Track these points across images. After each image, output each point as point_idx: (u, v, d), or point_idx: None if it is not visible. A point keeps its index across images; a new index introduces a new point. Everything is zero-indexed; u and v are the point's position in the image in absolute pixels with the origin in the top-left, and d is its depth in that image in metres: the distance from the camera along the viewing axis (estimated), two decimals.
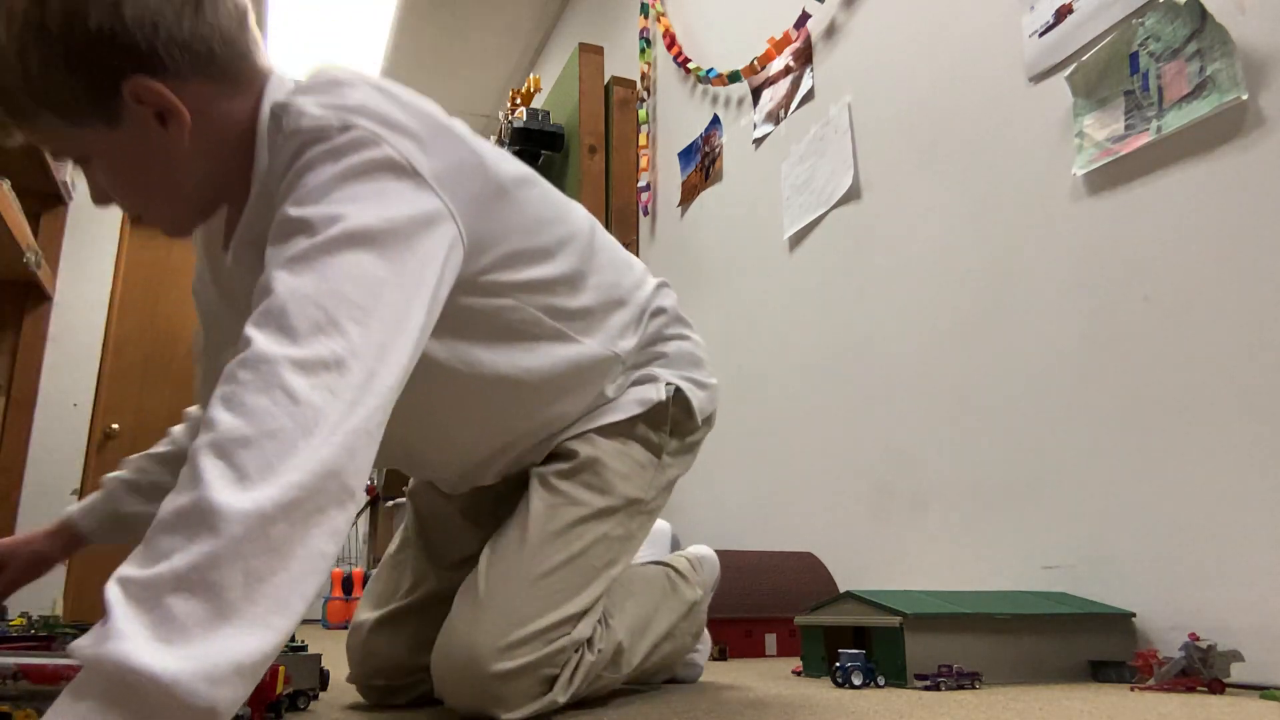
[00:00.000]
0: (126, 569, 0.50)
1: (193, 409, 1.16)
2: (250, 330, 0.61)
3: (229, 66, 0.78)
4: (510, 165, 0.88)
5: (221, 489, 0.52)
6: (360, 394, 0.61)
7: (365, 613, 1.08)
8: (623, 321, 1.02)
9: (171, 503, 0.53)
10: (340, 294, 0.63)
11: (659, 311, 1.09)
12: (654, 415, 1.04)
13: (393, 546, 1.15)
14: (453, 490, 1.08)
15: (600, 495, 0.97)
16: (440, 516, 1.11)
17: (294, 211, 0.67)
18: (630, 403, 1.03)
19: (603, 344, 0.99)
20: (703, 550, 1.28)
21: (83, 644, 0.47)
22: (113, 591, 0.49)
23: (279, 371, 0.58)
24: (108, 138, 0.75)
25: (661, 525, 1.36)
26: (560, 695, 0.89)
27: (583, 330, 0.97)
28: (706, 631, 1.28)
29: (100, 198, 0.81)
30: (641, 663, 1.04)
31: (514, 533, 0.94)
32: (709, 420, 1.12)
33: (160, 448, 1.15)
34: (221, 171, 0.81)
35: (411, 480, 1.16)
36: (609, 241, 1.04)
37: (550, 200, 0.94)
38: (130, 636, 0.47)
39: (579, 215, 0.99)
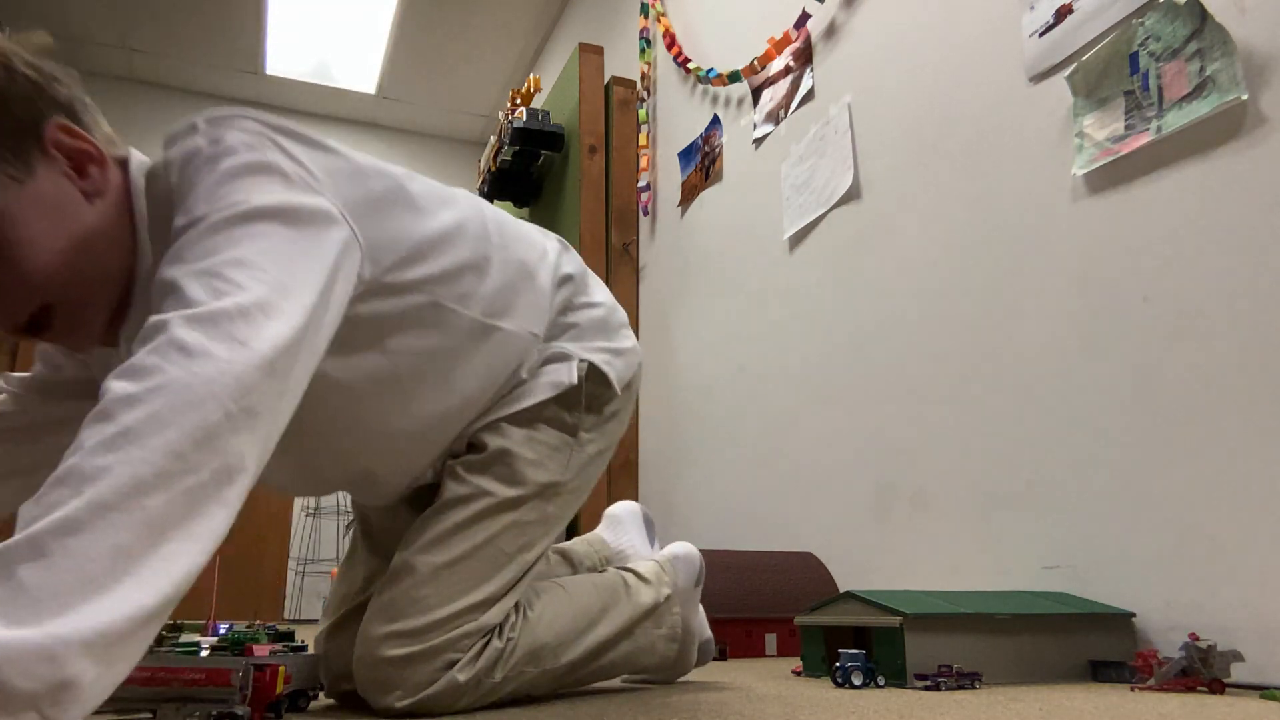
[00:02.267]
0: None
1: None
2: (151, 317, 0.59)
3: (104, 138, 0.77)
4: (388, 166, 0.89)
5: (96, 452, 0.49)
6: (256, 336, 0.58)
7: (323, 621, 1.08)
8: (534, 297, 1.02)
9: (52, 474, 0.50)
10: (236, 259, 0.62)
11: (566, 279, 1.08)
12: (567, 397, 1.03)
13: (347, 552, 1.15)
14: (403, 495, 1.07)
15: (510, 486, 0.98)
16: (385, 511, 1.10)
17: (181, 220, 0.65)
18: (542, 385, 1.02)
19: (519, 325, 0.99)
20: (679, 549, 1.24)
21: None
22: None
23: (171, 329, 0.56)
24: (11, 194, 0.68)
25: (630, 506, 1.35)
26: (460, 674, 0.89)
27: (499, 313, 0.97)
28: (709, 631, 1.26)
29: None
30: (587, 661, 1.02)
31: (422, 525, 0.96)
32: (630, 385, 1.11)
33: None
34: (110, 256, 0.75)
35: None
36: (502, 217, 1.03)
37: (436, 191, 0.95)
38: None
39: (467, 199, 0.99)
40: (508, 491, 0.97)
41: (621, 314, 1.14)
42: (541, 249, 1.07)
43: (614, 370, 1.07)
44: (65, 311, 0.73)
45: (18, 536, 0.46)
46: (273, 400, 0.59)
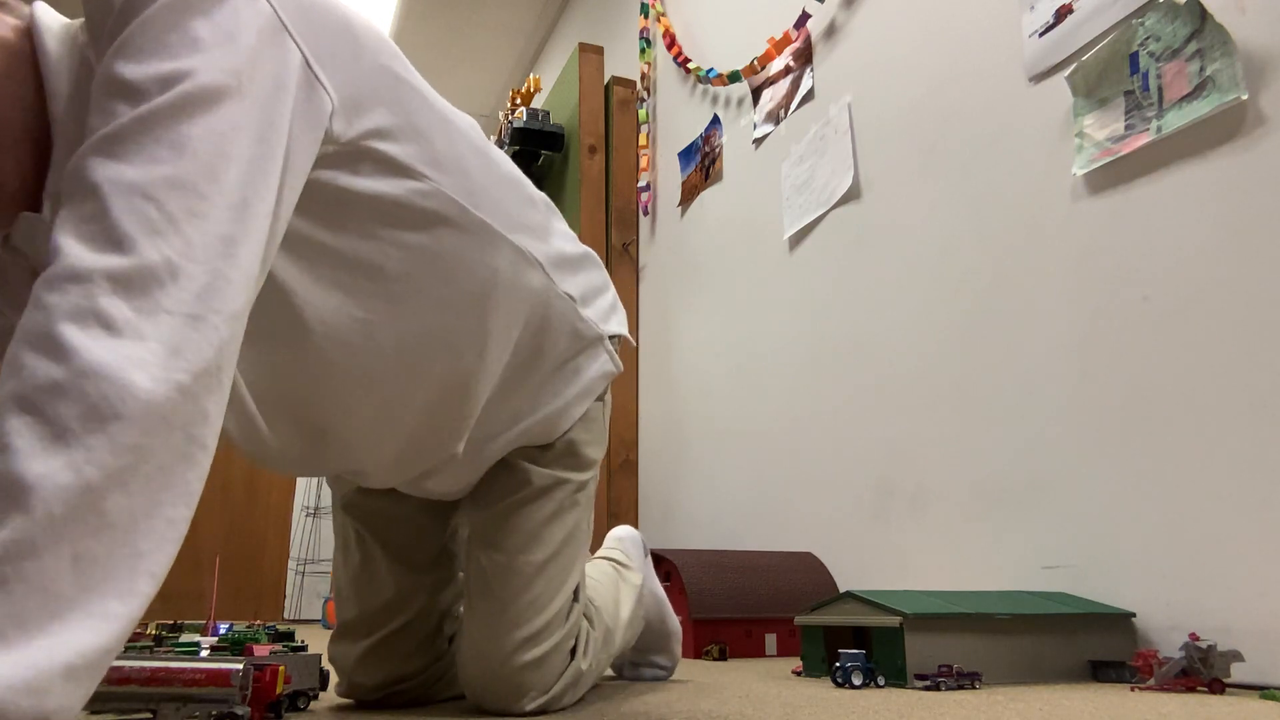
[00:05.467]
0: None
1: None
2: (60, 236, 0.48)
3: None
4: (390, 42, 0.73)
5: (32, 456, 0.42)
6: (203, 306, 0.49)
7: (346, 641, 1.00)
8: (560, 247, 0.92)
9: None
10: (174, 180, 0.50)
11: (580, 247, 1.00)
12: (608, 384, 1.03)
13: (347, 564, 1.04)
14: (410, 491, 1.00)
15: (580, 471, 0.98)
16: (399, 519, 1.03)
17: (118, 69, 0.52)
18: (595, 380, 0.99)
19: (547, 259, 0.87)
20: (621, 531, 1.31)
21: None
22: None
23: (94, 292, 0.46)
24: None
25: (632, 533, 1.38)
26: (583, 663, 0.94)
27: (517, 229, 0.83)
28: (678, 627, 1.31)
29: None
30: (620, 643, 1.10)
31: (505, 523, 0.93)
32: None
33: None
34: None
35: (339, 492, 1.05)
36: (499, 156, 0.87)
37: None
38: None
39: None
40: (579, 476, 0.98)
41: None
42: (541, 207, 0.94)
43: (623, 328, 1.05)
44: None
45: None
46: (229, 351, 0.51)
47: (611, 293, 1.07)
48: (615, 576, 1.18)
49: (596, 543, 1.37)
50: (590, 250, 1.04)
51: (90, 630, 0.42)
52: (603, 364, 1.00)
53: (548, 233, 0.91)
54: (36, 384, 0.43)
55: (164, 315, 0.47)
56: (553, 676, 0.91)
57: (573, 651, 0.94)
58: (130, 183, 0.49)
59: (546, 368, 0.94)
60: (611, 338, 1.02)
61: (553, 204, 0.96)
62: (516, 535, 0.92)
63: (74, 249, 0.47)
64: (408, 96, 0.71)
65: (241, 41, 0.55)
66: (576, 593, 0.96)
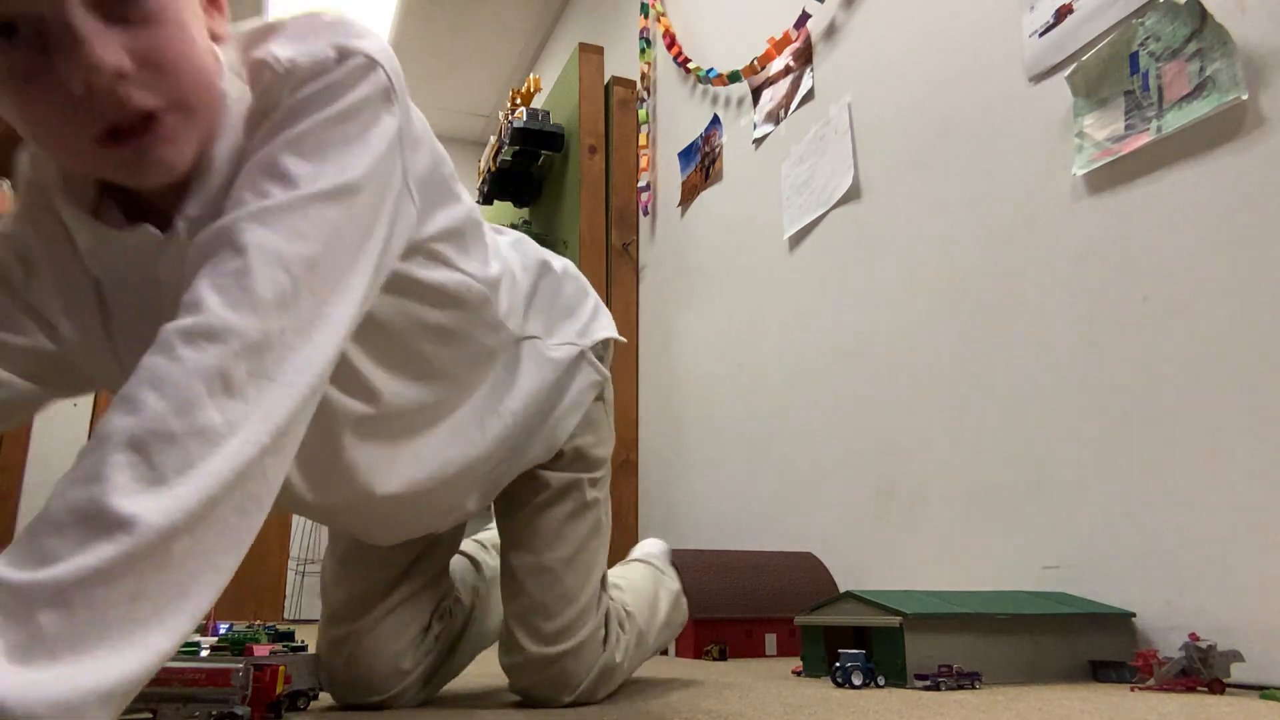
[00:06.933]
0: (2, 567, 0.44)
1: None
2: (203, 288, 0.54)
3: None
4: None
5: (129, 493, 0.46)
6: (297, 377, 0.56)
7: (332, 627, 1.01)
8: (522, 294, 0.98)
9: (67, 496, 0.46)
10: (309, 259, 0.58)
11: (545, 270, 1.04)
12: (600, 389, 1.07)
13: (333, 562, 1.05)
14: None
15: (592, 470, 1.05)
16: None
17: (282, 160, 0.61)
18: (580, 393, 1.03)
19: (517, 327, 0.96)
20: (649, 547, 1.42)
21: None
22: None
23: (225, 354, 0.52)
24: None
25: (661, 546, 1.46)
26: (616, 654, 1.01)
27: (510, 317, 0.93)
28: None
29: (113, 86, 0.57)
30: (655, 648, 1.17)
31: (529, 525, 1.00)
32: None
33: None
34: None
35: None
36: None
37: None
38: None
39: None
40: (593, 474, 1.05)
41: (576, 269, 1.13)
42: (509, 246, 1.01)
43: (609, 330, 1.09)
44: (171, 120, 0.61)
45: (42, 576, 0.43)
46: (302, 418, 0.57)
47: (590, 299, 1.10)
48: (655, 581, 1.26)
49: (622, 550, 1.41)
50: (547, 257, 1.06)
51: (132, 660, 0.45)
52: (585, 375, 1.04)
53: (500, 269, 0.91)
54: (153, 429, 0.48)
55: (268, 382, 0.54)
56: (589, 665, 0.97)
57: (604, 641, 1.00)
58: (276, 252, 0.56)
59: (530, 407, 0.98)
60: (598, 343, 1.06)
61: (480, 218, 0.94)
62: (542, 536, 0.99)
63: (215, 306, 0.53)
64: (454, 204, 0.81)
65: (375, 150, 0.65)
66: (603, 582, 1.04)
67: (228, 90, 0.66)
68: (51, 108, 0.57)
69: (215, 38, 0.66)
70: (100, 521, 0.45)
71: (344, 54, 0.65)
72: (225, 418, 0.50)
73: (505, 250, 0.97)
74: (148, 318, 0.61)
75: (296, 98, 0.63)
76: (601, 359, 1.07)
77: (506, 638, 0.98)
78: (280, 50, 0.66)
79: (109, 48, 0.56)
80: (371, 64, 0.66)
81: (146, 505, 0.46)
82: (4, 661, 0.41)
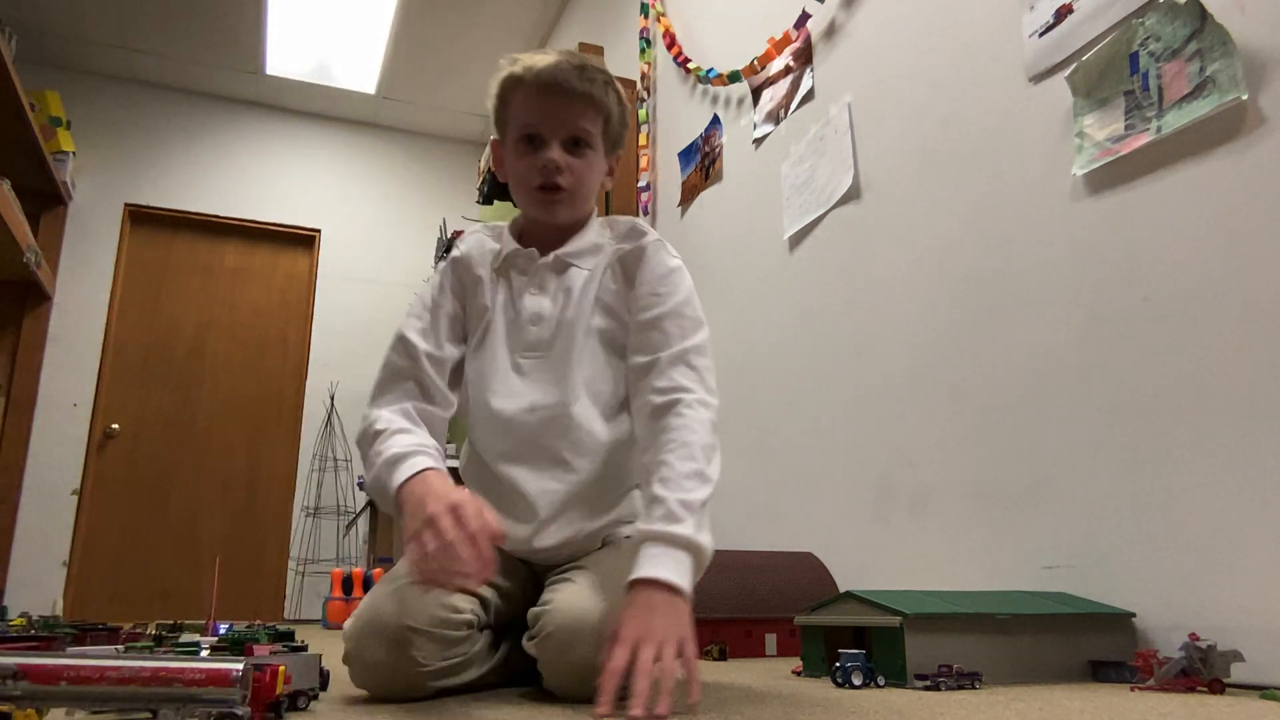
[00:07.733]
0: (681, 493, 0.96)
1: (385, 414, 1.12)
2: (685, 378, 1.07)
3: None
4: None
5: (708, 467, 1.01)
6: (715, 436, 1.06)
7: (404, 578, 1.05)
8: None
9: (688, 465, 0.99)
10: (711, 369, 1.11)
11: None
12: None
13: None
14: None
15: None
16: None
17: (687, 310, 1.13)
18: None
19: None
20: None
21: (670, 528, 0.94)
22: (681, 502, 0.96)
23: (706, 414, 1.05)
24: (598, 157, 1.20)
25: None
26: None
27: None
28: None
29: (556, 172, 1.15)
30: None
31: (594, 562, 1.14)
32: None
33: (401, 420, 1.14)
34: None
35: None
36: None
37: None
38: (696, 528, 0.95)
39: None
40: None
41: None
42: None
43: None
44: (573, 194, 1.17)
45: (698, 496, 0.98)
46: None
47: None
48: None
49: None
50: None
51: (709, 538, 0.97)
52: None
53: None
54: (706, 443, 1.03)
55: (715, 425, 1.07)
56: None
57: None
58: (706, 368, 1.10)
59: None
60: None
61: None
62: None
63: (700, 391, 1.08)
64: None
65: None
66: None
67: (593, 209, 1.25)
68: (531, 172, 1.17)
69: (602, 185, 1.23)
70: (704, 477, 1.00)
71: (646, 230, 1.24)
72: (715, 440, 1.06)
73: None
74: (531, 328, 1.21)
75: (643, 244, 1.21)
76: None
77: (547, 623, 1.01)
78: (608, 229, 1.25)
79: (562, 157, 1.16)
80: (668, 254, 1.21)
81: (713, 471, 1.01)
82: (697, 529, 0.95)
